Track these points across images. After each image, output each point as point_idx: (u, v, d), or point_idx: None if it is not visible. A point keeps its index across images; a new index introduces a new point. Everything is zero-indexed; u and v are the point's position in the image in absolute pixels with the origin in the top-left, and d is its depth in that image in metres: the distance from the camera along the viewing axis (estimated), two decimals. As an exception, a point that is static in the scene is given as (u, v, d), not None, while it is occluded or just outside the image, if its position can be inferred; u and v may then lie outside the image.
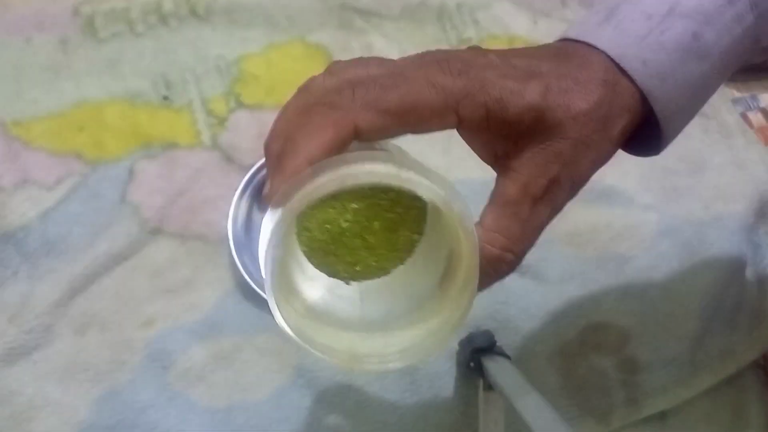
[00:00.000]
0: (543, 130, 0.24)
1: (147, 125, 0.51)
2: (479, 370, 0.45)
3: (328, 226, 0.25)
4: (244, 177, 0.48)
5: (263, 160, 0.48)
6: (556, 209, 0.25)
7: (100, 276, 0.47)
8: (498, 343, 0.47)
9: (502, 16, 0.58)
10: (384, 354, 0.24)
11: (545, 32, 0.58)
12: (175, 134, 0.51)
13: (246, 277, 0.46)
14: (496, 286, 0.43)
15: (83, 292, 0.47)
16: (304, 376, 0.46)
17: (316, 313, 0.27)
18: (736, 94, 0.59)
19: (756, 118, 0.59)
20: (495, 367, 0.43)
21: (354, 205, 0.25)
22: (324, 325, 0.26)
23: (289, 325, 0.24)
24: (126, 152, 0.50)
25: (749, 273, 0.52)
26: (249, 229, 0.48)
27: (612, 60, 0.25)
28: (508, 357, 0.46)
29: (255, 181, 0.48)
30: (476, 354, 0.46)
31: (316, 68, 0.55)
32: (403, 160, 0.23)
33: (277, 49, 0.54)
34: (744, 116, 0.58)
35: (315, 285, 0.27)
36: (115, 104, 0.52)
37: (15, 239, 0.48)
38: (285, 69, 0.54)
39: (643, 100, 0.25)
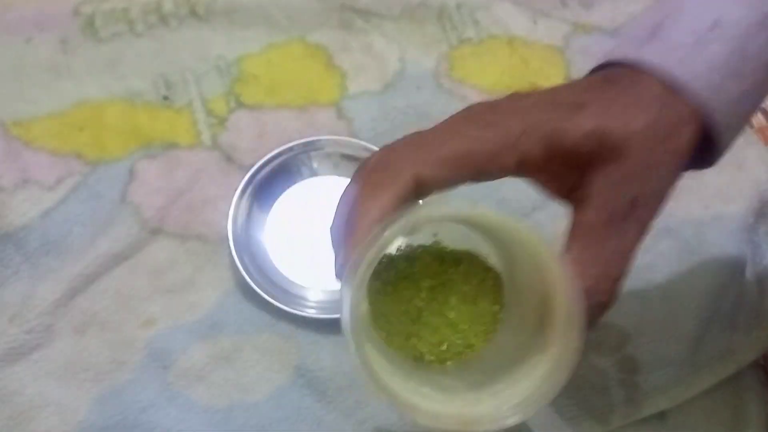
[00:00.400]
0: (608, 154, 0.24)
1: (147, 125, 0.51)
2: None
3: (404, 307, 0.25)
4: (244, 177, 0.48)
5: (264, 159, 0.49)
6: (642, 230, 0.25)
7: (100, 276, 0.47)
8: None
9: (502, 16, 0.58)
10: (498, 413, 0.23)
11: (545, 32, 0.58)
12: (176, 134, 0.51)
13: (246, 277, 0.46)
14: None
15: (83, 292, 0.47)
16: (304, 376, 0.46)
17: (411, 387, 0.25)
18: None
19: (756, 118, 0.59)
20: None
21: (427, 283, 0.25)
22: (425, 394, 0.25)
23: (395, 400, 0.23)
24: (126, 152, 0.50)
25: (749, 273, 0.52)
26: (249, 229, 0.48)
27: (661, 77, 0.24)
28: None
29: (255, 181, 0.49)
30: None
31: (316, 68, 0.56)
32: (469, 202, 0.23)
33: (277, 49, 0.54)
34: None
35: (400, 371, 0.26)
36: (115, 104, 0.52)
37: (15, 239, 0.48)
38: (285, 69, 0.54)
39: (698, 114, 0.25)
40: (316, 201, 0.50)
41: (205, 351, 0.46)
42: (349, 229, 0.23)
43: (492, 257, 0.26)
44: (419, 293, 0.25)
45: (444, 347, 0.26)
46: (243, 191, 0.48)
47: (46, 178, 0.49)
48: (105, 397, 0.45)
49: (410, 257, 0.26)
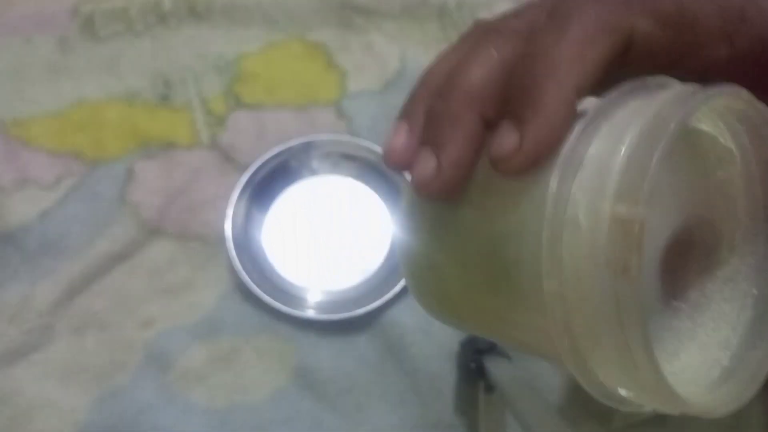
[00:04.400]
0: None
1: (146, 125, 0.51)
2: (480, 371, 0.45)
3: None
4: (243, 176, 0.48)
5: (263, 158, 0.48)
6: None
7: (99, 276, 0.47)
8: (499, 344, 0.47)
9: (504, 14, 0.57)
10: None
11: (546, 31, 0.57)
12: (174, 134, 0.51)
13: (245, 278, 0.45)
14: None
15: (82, 292, 0.47)
16: (303, 377, 0.46)
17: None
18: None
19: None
20: (496, 368, 0.43)
21: None
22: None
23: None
24: (125, 152, 0.50)
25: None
26: (248, 229, 0.48)
27: None
28: (509, 358, 0.46)
29: (254, 180, 0.48)
30: (477, 355, 0.45)
31: (316, 67, 0.56)
32: None
33: (277, 48, 0.54)
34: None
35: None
36: (114, 104, 0.52)
37: (14, 239, 0.48)
38: (284, 68, 0.54)
39: None
40: (315, 201, 0.49)
41: (204, 352, 0.46)
42: (518, 98, 0.16)
43: None
44: None
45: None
46: (242, 191, 0.48)
47: (45, 177, 0.49)
48: (104, 398, 0.45)
49: None
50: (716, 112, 0.16)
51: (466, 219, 0.18)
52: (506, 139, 0.16)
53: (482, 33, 0.18)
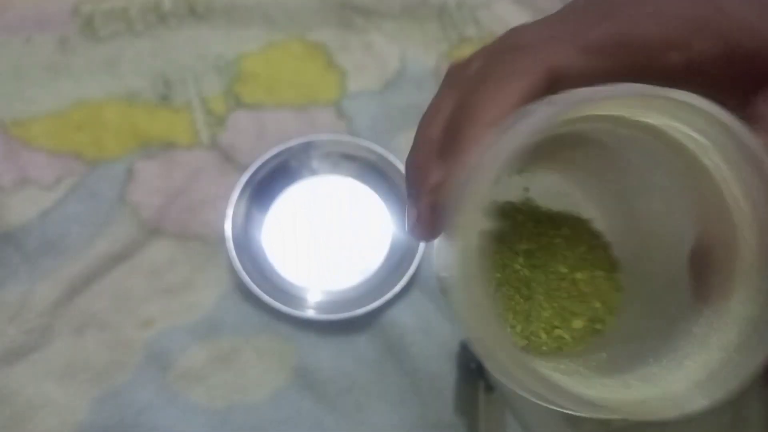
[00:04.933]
0: None
1: (146, 125, 0.51)
2: (480, 371, 0.45)
3: (498, 275, 0.20)
4: (243, 176, 0.48)
5: (262, 158, 0.48)
6: None
7: (99, 276, 0.47)
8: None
9: (503, 15, 0.57)
10: (680, 396, 0.19)
11: (546, 31, 0.57)
12: (174, 134, 0.51)
13: (245, 278, 0.45)
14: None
15: (82, 292, 0.47)
16: (303, 377, 0.46)
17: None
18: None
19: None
20: (495, 368, 0.43)
21: (524, 245, 0.20)
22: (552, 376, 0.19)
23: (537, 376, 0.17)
24: (125, 152, 0.50)
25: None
26: (248, 229, 0.48)
27: None
28: (508, 358, 0.46)
29: (254, 180, 0.48)
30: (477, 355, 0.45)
31: (316, 67, 0.56)
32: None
33: (277, 48, 0.54)
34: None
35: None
36: (114, 104, 0.52)
37: (14, 239, 0.48)
38: (284, 68, 0.54)
39: None
40: (315, 201, 0.49)
41: (204, 352, 0.46)
42: (449, 142, 0.17)
43: (597, 221, 0.20)
44: (516, 258, 0.20)
45: (559, 332, 0.20)
46: (242, 191, 0.48)
47: (44, 177, 0.49)
48: (103, 398, 0.45)
49: (498, 215, 0.21)
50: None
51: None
52: (408, 214, 0.19)
53: (443, 82, 0.20)
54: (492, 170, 0.15)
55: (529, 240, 0.20)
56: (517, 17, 0.58)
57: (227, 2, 0.54)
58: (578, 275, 0.20)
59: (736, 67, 0.18)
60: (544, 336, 0.20)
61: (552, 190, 0.20)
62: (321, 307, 0.47)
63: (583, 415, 0.18)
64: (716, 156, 0.17)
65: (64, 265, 0.47)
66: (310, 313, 0.46)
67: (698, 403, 0.19)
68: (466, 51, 0.60)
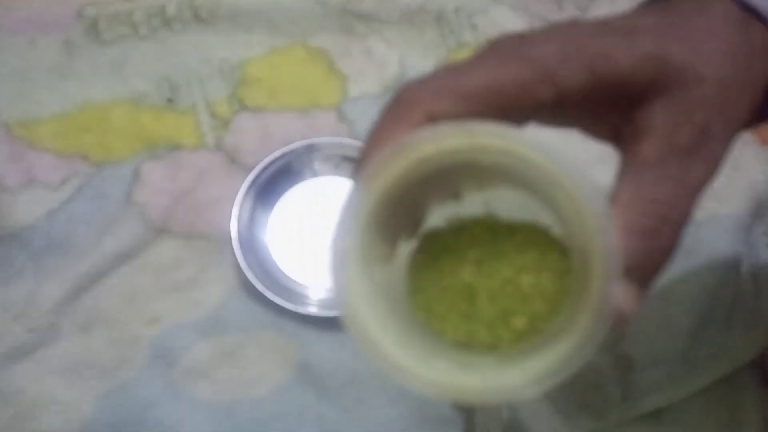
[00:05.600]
0: (672, 80, 0.20)
1: (152, 127, 0.52)
2: (478, 368, 0.46)
3: (447, 281, 0.22)
4: (247, 178, 0.49)
5: (267, 160, 0.49)
6: (713, 168, 0.21)
7: (105, 275, 0.48)
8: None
9: (500, 20, 0.58)
10: (499, 387, 0.20)
11: (542, 37, 0.58)
12: (180, 136, 0.52)
13: (249, 276, 0.46)
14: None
15: (88, 291, 0.47)
16: (306, 373, 0.47)
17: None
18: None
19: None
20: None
21: (474, 254, 0.21)
22: (437, 366, 0.21)
23: (378, 354, 0.20)
24: (131, 153, 0.51)
25: (745, 272, 0.52)
26: (252, 228, 0.49)
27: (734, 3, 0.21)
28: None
29: (258, 181, 0.49)
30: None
31: (318, 72, 0.57)
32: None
33: (280, 53, 0.55)
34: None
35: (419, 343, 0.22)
36: (120, 106, 0.52)
37: (20, 239, 0.48)
38: (287, 72, 0.54)
39: None
40: (317, 201, 0.50)
41: (209, 348, 0.47)
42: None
43: (556, 227, 0.22)
44: (463, 265, 0.21)
45: (504, 329, 0.21)
46: (246, 192, 0.48)
47: (51, 178, 0.50)
48: (109, 395, 0.45)
49: (457, 229, 0.23)
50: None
51: None
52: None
53: None
54: (348, 225, 0.20)
55: (481, 248, 0.21)
56: (513, 23, 0.59)
57: (231, 8, 0.55)
58: (524, 278, 0.21)
59: (604, 93, 0.20)
60: (483, 333, 0.22)
61: (516, 202, 0.22)
62: (323, 303, 0.48)
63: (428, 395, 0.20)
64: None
65: (70, 265, 0.47)
66: (313, 310, 0.47)
67: (517, 393, 0.20)
68: (464, 55, 0.60)
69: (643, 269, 0.20)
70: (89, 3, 0.55)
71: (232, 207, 0.48)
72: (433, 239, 0.23)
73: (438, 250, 0.22)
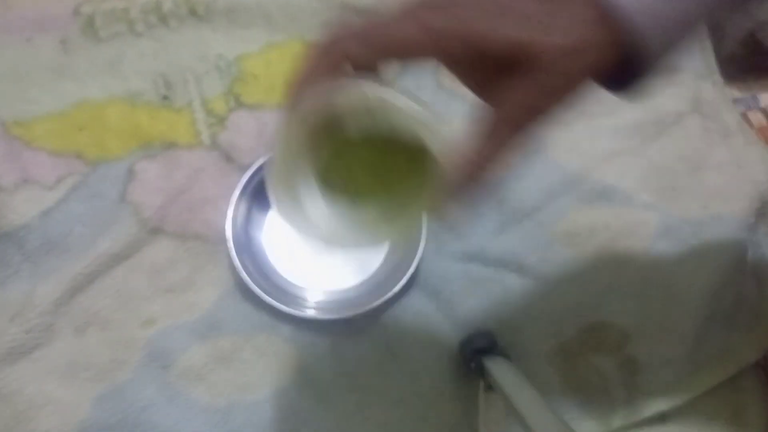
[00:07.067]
0: (522, 63, 0.26)
1: (147, 125, 0.51)
2: (480, 371, 0.45)
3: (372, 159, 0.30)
4: (243, 176, 0.48)
5: (262, 159, 0.49)
6: (525, 135, 0.27)
7: (100, 275, 0.47)
8: (498, 344, 0.47)
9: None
10: (352, 237, 0.30)
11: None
12: (175, 134, 0.51)
13: (245, 277, 0.46)
14: (497, 287, 0.44)
15: (84, 291, 0.47)
16: (303, 376, 0.46)
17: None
18: (737, 94, 0.59)
19: (756, 117, 0.59)
20: (495, 367, 0.43)
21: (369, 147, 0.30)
22: (325, 213, 0.31)
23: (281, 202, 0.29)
24: (126, 152, 0.50)
25: (748, 273, 0.52)
26: (248, 228, 0.48)
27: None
28: (508, 357, 0.46)
29: (254, 180, 0.48)
30: (477, 354, 0.46)
31: (316, 68, 0.55)
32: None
33: (277, 48, 0.54)
34: (744, 116, 0.58)
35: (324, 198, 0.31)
36: (115, 104, 0.52)
37: (16, 238, 0.48)
38: (284, 69, 0.54)
39: (625, 35, 0.26)
40: (315, 201, 0.50)
41: (205, 351, 0.46)
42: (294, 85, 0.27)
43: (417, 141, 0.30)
44: (359, 151, 0.30)
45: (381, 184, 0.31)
46: (242, 191, 0.48)
47: (46, 177, 0.49)
48: (105, 397, 0.45)
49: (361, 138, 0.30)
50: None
51: None
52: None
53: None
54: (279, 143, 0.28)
55: (374, 147, 0.30)
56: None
57: (228, 3, 0.55)
58: (399, 156, 0.30)
59: (474, 60, 0.26)
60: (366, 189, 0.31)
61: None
62: (321, 306, 0.47)
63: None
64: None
65: (65, 265, 0.47)
66: (311, 313, 0.46)
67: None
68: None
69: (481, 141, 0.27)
70: (85, 1, 0.54)
71: (227, 206, 0.47)
72: (342, 142, 0.30)
73: (344, 146, 0.30)
